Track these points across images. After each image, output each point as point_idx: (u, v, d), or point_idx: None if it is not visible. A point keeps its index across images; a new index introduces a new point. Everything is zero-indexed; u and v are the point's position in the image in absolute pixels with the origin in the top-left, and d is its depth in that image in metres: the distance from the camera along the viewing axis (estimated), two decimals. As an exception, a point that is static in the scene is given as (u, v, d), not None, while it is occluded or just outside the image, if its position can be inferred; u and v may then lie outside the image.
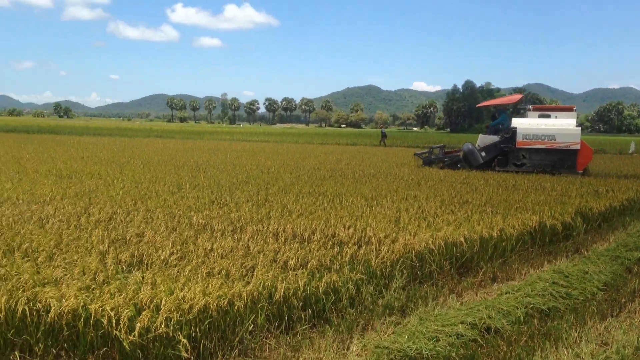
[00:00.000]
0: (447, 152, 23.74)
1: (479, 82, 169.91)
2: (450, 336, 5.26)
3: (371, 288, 6.35)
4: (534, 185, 15.50)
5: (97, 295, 4.85)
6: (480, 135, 22.81)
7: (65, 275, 5.41)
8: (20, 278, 5.18)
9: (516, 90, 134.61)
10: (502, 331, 5.50)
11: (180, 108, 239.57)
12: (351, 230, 8.08)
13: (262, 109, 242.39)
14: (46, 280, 5.22)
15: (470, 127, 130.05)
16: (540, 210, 10.53)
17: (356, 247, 7.29)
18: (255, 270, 5.94)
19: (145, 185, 12.44)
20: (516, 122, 21.28)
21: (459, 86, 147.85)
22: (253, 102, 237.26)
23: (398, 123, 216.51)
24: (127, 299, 4.78)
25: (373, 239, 7.66)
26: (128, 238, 7.18)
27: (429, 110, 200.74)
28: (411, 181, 15.86)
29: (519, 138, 20.56)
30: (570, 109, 21.98)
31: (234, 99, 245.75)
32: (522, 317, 5.84)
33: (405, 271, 6.93)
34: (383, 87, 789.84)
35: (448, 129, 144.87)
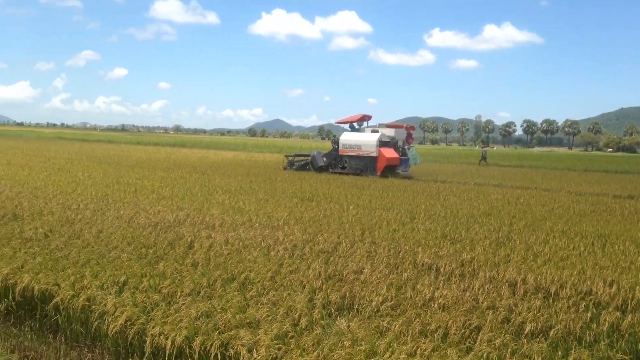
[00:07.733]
0: (299, 156, 30.04)
1: None
2: None
3: (639, 375, 4.76)
4: None
5: (290, 348, 4.33)
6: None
7: (269, 316, 5.03)
8: (224, 315, 4.94)
9: None
10: None
11: (432, 130, 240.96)
12: (614, 287, 6.41)
13: (519, 131, 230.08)
14: (248, 321, 4.89)
15: None
16: None
17: (619, 312, 5.67)
18: (480, 333, 4.86)
19: (378, 213, 12.00)
20: (342, 135, 27.19)
21: None
22: (509, 124, 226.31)
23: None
24: (321, 357, 4.15)
25: (645, 303, 5.91)
26: (345, 274, 6.66)
27: None
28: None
29: (340, 147, 26.67)
30: (400, 127, 27.92)
31: (489, 121, 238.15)
32: None
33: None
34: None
35: None
